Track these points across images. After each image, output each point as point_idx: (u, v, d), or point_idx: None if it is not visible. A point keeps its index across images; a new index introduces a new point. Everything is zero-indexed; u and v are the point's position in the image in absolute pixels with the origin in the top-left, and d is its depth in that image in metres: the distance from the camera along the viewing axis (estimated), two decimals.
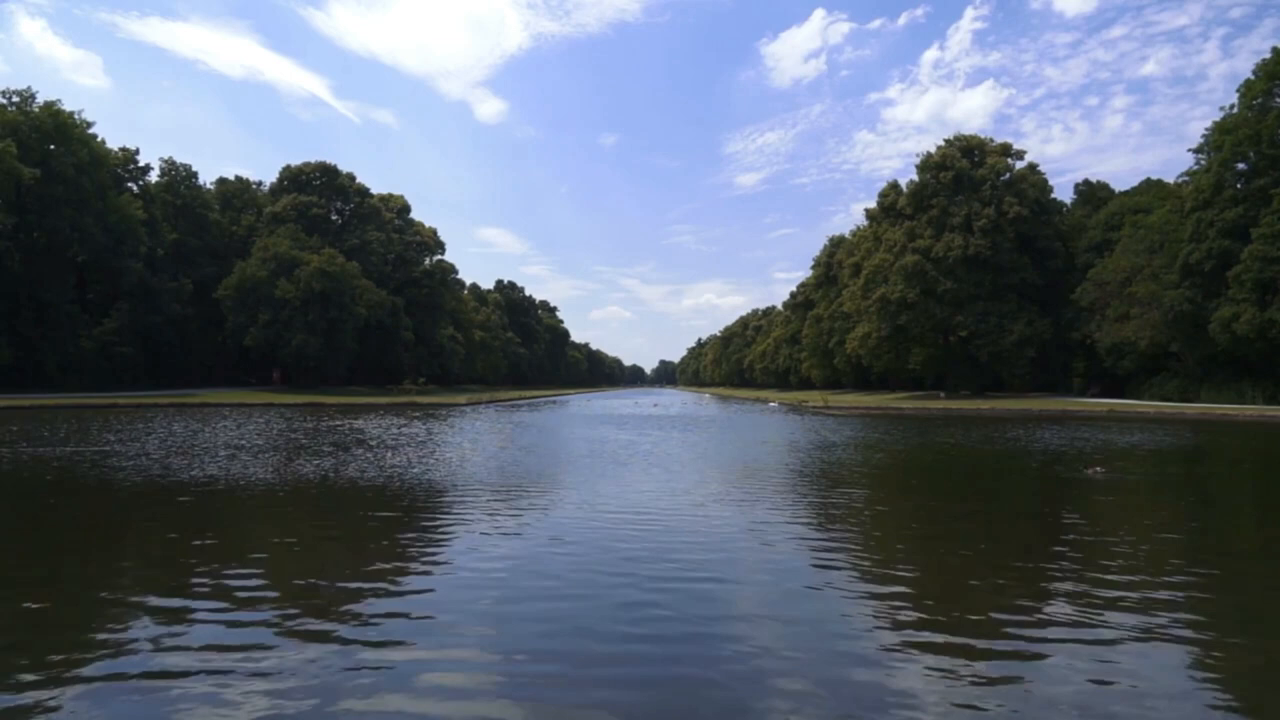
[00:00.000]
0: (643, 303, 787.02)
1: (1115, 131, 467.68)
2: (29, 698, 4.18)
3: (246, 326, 66.35)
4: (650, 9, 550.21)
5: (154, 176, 71.37)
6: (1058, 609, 5.86)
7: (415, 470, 14.27)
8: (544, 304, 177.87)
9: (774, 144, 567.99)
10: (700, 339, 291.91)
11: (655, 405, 58.16)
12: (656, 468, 15.20)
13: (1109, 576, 6.75)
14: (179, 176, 73.45)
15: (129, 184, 66.92)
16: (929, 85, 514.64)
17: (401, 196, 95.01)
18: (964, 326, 59.58)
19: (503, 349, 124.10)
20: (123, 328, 58.59)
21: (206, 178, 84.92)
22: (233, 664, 4.67)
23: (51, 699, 4.18)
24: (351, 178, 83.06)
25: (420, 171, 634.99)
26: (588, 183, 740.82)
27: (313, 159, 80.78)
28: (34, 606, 5.89)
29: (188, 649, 4.93)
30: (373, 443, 20.12)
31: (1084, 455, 17.48)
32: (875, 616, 5.69)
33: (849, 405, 50.35)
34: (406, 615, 5.66)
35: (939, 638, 5.21)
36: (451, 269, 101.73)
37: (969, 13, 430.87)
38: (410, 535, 8.74)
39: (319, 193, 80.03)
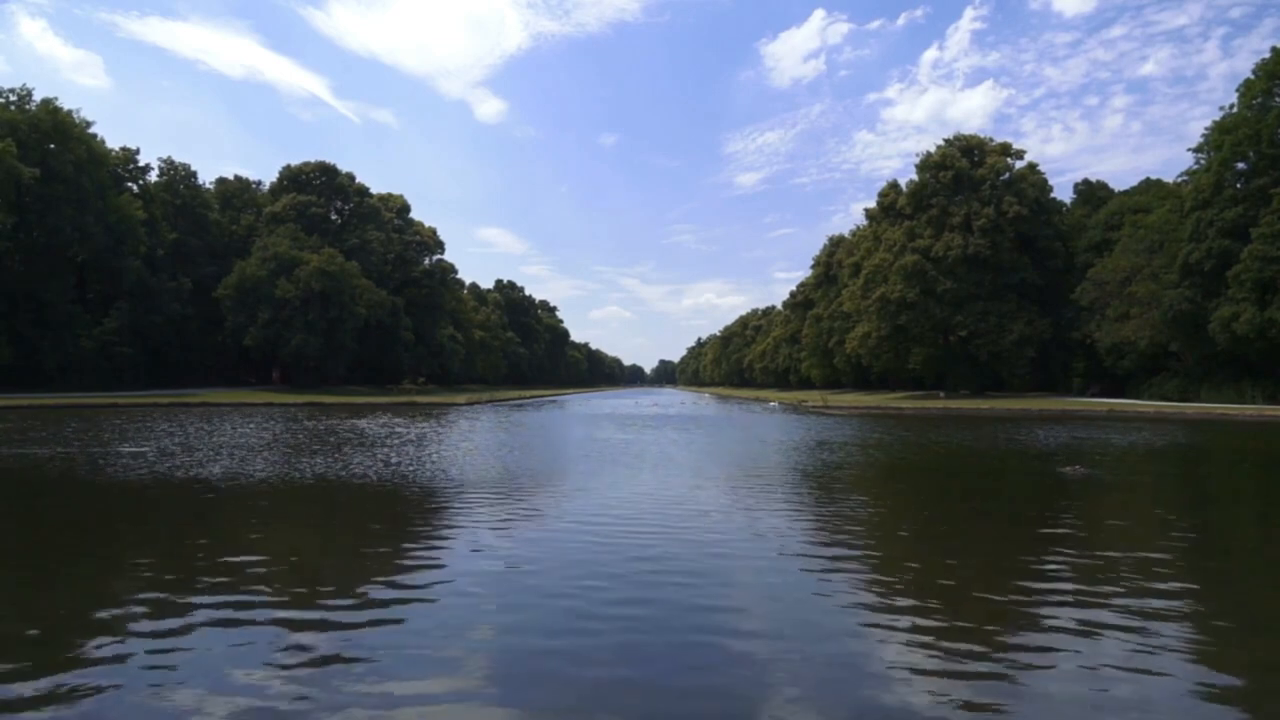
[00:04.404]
0: (643, 302, 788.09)
1: (1115, 131, 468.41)
2: (23, 700, 4.17)
3: (246, 326, 66.32)
4: (650, 9, 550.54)
5: (154, 176, 71.38)
6: (1055, 609, 5.84)
7: (414, 471, 14.26)
8: (544, 304, 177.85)
9: (774, 144, 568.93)
10: (700, 339, 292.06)
11: (654, 405, 58.12)
12: (655, 468, 15.18)
13: (1104, 575, 6.74)
14: (179, 176, 73.39)
15: (129, 184, 66.85)
16: (928, 85, 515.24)
17: (401, 196, 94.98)
18: (964, 326, 59.55)
19: (502, 349, 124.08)
20: (122, 327, 58.53)
21: (206, 178, 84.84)
22: (230, 664, 4.66)
23: (36, 704, 4.17)
24: (351, 177, 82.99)
25: (420, 171, 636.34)
26: (588, 182, 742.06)
27: (313, 159, 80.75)
28: (30, 606, 5.88)
29: (181, 650, 4.93)
30: (371, 443, 20.10)
31: (1083, 455, 17.47)
32: (875, 620, 5.69)
33: (849, 405, 50.31)
34: (402, 626, 5.63)
35: (938, 639, 5.20)
36: (451, 269, 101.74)
37: (968, 13, 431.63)
38: (408, 539, 8.73)
39: (319, 192, 79.95)
